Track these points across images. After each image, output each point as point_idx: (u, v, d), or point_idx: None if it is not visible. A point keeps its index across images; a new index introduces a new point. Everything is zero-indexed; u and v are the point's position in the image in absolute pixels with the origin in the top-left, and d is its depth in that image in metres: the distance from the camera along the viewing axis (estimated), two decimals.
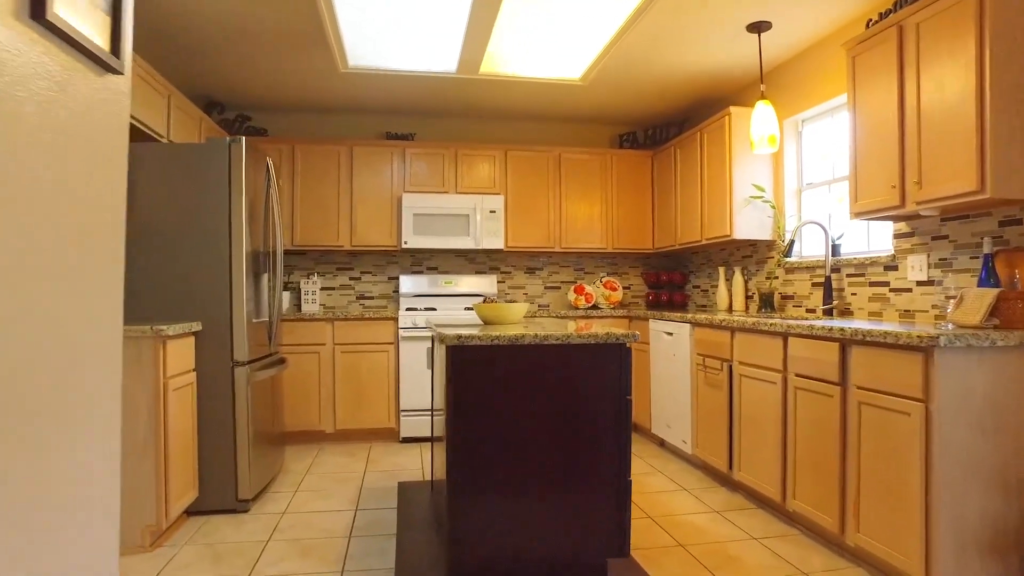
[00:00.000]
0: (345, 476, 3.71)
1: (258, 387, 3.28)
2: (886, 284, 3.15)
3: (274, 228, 3.56)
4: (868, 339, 2.33)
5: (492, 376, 2.19)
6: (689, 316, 3.80)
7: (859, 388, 2.40)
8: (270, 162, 3.52)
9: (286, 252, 5.04)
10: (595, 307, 5.30)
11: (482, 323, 2.87)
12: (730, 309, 4.55)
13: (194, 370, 3.00)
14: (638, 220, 5.25)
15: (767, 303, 3.97)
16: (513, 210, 5.03)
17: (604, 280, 5.37)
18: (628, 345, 2.28)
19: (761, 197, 4.01)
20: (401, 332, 4.48)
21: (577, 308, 5.22)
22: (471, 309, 4.79)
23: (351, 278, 5.15)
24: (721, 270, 4.61)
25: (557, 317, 4.81)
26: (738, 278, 4.41)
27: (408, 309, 4.68)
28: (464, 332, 2.23)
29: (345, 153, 4.81)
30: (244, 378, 3.09)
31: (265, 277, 3.46)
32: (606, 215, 5.19)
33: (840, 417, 2.51)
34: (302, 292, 4.88)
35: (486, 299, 2.86)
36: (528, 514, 2.21)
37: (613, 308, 5.28)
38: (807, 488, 2.71)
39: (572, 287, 5.31)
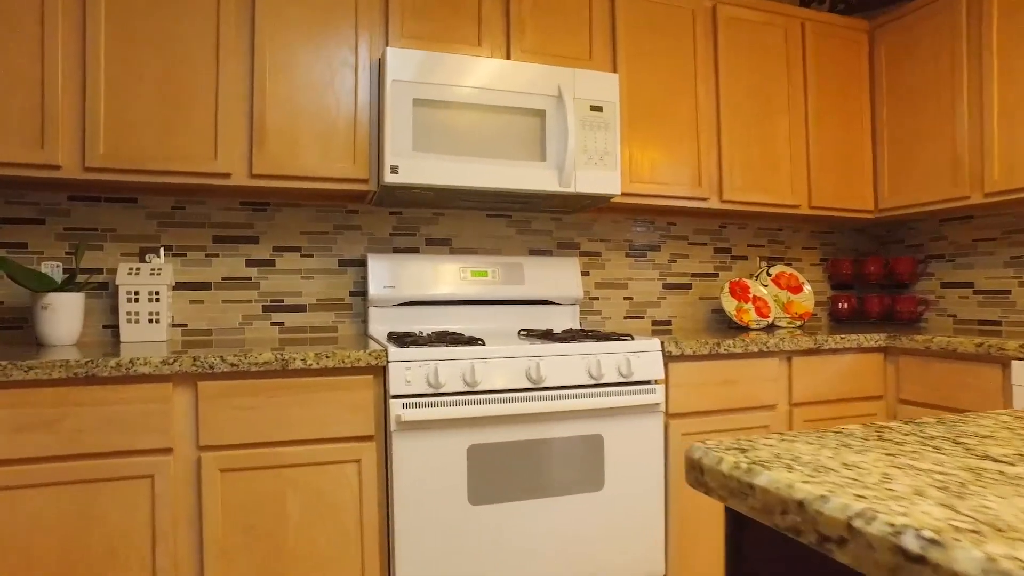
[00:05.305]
0: None
1: None
2: None
3: None
4: None
5: None
6: None
7: None
8: None
9: (75, 195, 2.03)
10: (773, 326, 2.62)
11: None
12: None
13: None
14: (845, 155, 2.61)
15: None
16: (633, 112, 2.27)
17: (773, 272, 2.71)
18: None
19: None
20: (398, 408, 1.61)
21: (742, 326, 2.52)
22: (533, 336, 1.96)
23: (251, 262, 2.20)
24: None
25: (711, 355, 2.07)
26: None
27: (398, 340, 1.81)
28: None
29: None
30: None
31: None
32: (798, 138, 2.52)
33: None
34: (122, 298, 1.92)
35: None
36: None
37: (800, 325, 2.61)
38: None
39: (727, 286, 2.59)
